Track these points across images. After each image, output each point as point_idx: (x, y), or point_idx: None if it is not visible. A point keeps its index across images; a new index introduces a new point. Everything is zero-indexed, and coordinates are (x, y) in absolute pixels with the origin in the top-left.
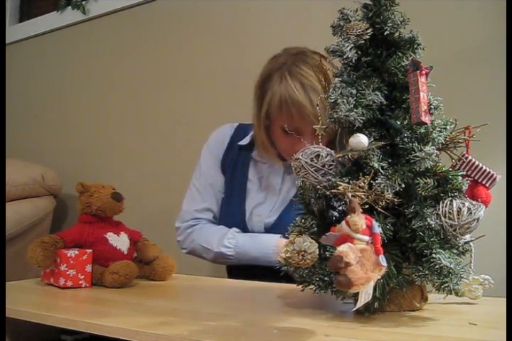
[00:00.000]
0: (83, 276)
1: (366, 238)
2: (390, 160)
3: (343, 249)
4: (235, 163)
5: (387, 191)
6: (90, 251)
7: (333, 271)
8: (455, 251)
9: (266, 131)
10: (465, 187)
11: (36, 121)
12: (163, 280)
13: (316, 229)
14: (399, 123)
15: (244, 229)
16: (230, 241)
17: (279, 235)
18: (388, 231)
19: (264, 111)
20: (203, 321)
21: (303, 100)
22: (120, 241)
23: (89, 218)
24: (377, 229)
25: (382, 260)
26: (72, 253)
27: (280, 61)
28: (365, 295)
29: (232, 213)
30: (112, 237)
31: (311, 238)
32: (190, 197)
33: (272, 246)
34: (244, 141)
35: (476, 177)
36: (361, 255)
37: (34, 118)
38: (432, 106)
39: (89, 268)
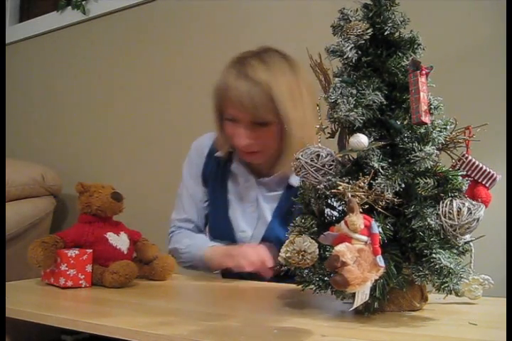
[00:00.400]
0: (83, 276)
1: (364, 238)
2: (390, 160)
3: (340, 248)
4: (215, 175)
5: (387, 191)
6: (90, 251)
7: (330, 270)
8: (455, 251)
9: (220, 129)
10: (465, 187)
11: (36, 121)
12: (163, 280)
13: (315, 228)
14: (399, 123)
15: (233, 239)
16: (187, 240)
17: (217, 244)
18: (388, 231)
19: (213, 105)
20: (203, 321)
21: (234, 85)
22: (120, 241)
23: (89, 218)
24: (376, 230)
25: (380, 260)
26: (72, 253)
27: (237, 56)
28: (362, 295)
29: (219, 225)
30: (111, 237)
31: (311, 238)
32: (176, 206)
33: (204, 249)
34: (221, 153)
35: (476, 177)
36: (358, 255)
37: (34, 119)
38: (432, 106)
39: (89, 268)
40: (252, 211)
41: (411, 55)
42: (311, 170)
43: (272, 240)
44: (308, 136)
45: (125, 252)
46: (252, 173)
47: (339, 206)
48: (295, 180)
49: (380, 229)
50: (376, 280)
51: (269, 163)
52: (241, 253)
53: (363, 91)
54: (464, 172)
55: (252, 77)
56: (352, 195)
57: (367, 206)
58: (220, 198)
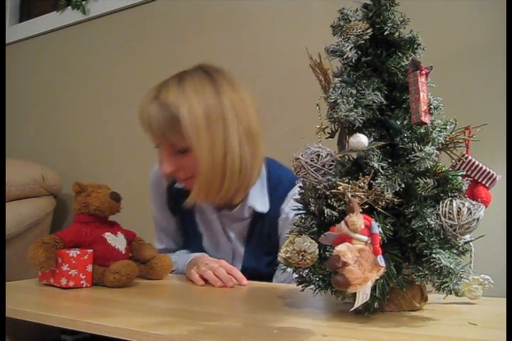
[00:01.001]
0: (84, 276)
1: (365, 238)
2: (390, 160)
3: (341, 248)
4: (180, 206)
5: (387, 191)
6: (91, 251)
7: (330, 270)
8: (455, 251)
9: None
10: (465, 187)
11: (36, 121)
12: (160, 279)
13: (315, 229)
14: (399, 123)
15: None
16: (175, 257)
17: (201, 254)
18: (388, 231)
19: None
20: (203, 321)
21: (146, 109)
22: (118, 241)
23: (86, 218)
24: (377, 230)
25: (381, 260)
26: (74, 253)
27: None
28: (363, 295)
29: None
30: (110, 237)
31: (311, 238)
32: (155, 236)
33: (185, 263)
34: (179, 184)
35: (476, 177)
36: (359, 255)
37: (34, 119)
38: (431, 106)
39: (90, 268)
40: (225, 242)
41: (411, 55)
42: (311, 170)
43: (251, 271)
44: (230, 162)
45: (123, 252)
46: (212, 205)
47: (339, 206)
48: (263, 207)
49: (380, 229)
50: (376, 280)
51: (225, 195)
52: (210, 268)
53: (362, 92)
54: (464, 172)
55: (161, 100)
56: (352, 195)
57: (367, 206)
58: (191, 231)
